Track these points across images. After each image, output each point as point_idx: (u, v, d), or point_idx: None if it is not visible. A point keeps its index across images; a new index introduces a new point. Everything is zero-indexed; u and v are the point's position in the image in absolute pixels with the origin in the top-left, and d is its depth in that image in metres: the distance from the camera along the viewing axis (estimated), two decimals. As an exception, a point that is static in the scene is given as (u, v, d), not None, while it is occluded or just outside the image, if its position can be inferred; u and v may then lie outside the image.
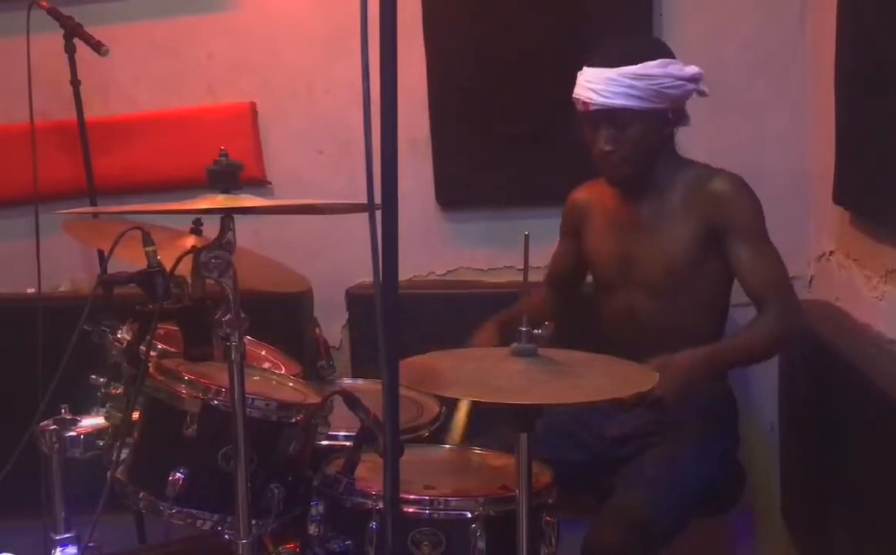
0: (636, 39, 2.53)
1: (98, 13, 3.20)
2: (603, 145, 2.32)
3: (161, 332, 2.08)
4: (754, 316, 2.31)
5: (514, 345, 1.86)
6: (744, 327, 2.35)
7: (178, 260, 1.79)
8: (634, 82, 2.24)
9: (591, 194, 2.54)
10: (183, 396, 1.90)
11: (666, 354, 2.13)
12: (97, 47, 3.00)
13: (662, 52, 2.32)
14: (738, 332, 2.38)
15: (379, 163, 1.34)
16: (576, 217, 2.58)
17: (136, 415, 1.94)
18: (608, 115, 2.28)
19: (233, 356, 1.75)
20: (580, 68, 2.33)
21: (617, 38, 2.40)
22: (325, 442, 2.09)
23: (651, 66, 2.26)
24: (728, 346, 2.30)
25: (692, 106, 2.38)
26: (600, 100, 2.26)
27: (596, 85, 2.27)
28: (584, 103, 2.30)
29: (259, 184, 3.21)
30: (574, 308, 2.65)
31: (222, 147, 1.84)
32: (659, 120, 2.32)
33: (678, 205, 2.36)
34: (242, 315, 1.75)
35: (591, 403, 1.81)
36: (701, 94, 2.36)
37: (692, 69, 2.31)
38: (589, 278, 2.62)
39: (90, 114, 3.16)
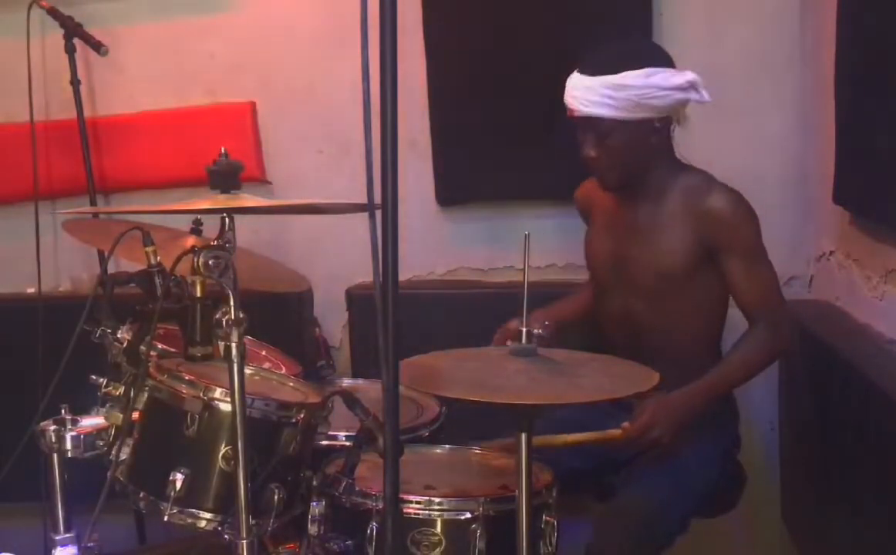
0: (625, 47, 2.43)
1: (98, 13, 3.20)
2: (588, 151, 2.32)
3: (161, 332, 2.08)
4: (744, 333, 2.32)
5: (514, 345, 1.86)
6: (734, 347, 2.35)
7: (178, 260, 1.79)
8: (611, 92, 2.22)
9: (592, 192, 2.53)
10: (183, 396, 1.90)
11: (663, 356, 2.13)
12: (97, 47, 3.00)
13: (651, 60, 2.27)
14: (729, 351, 2.37)
15: (379, 163, 1.35)
16: (585, 208, 2.60)
17: (136, 415, 1.95)
18: (590, 123, 2.29)
19: (233, 356, 1.75)
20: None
21: (609, 43, 2.36)
22: (325, 442, 2.09)
23: (631, 77, 2.22)
24: (722, 373, 2.29)
25: (691, 108, 2.37)
26: (581, 107, 2.27)
27: (576, 92, 2.28)
28: (570, 110, 2.31)
29: (259, 184, 3.21)
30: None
31: (222, 147, 1.85)
32: (643, 129, 2.29)
33: (673, 211, 2.34)
34: (242, 315, 1.75)
35: (591, 404, 1.82)
36: (701, 101, 2.33)
37: (685, 77, 2.26)
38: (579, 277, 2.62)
39: (90, 114, 3.16)
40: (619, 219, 2.43)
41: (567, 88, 2.31)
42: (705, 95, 2.30)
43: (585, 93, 2.26)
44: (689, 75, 2.27)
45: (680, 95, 2.27)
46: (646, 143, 2.32)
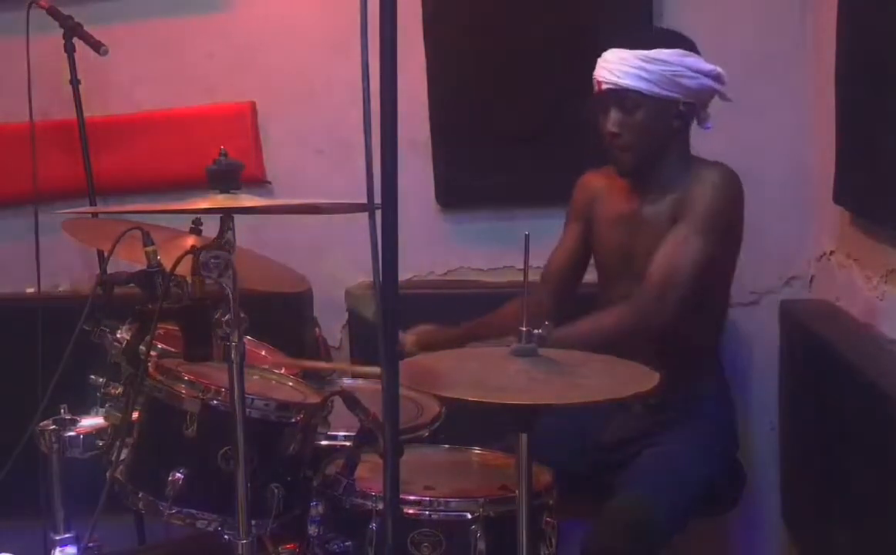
0: (662, 29, 2.60)
1: (98, 13, 3.19)
2: (610, 127, 2.33)
3: (161, 332, 2.08)
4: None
5: (514, 345, 1.86)
6: (598, 312, 2.33)
7: (178, 260, 1.79)
8: (646, 65, 2.26)
9: (604, 181, 2.53)
10: (183, 396, 1.90)
11: (661, 351, 2.13)
12: (97, 47, 3.00)
13: (684, 43, 2.33)
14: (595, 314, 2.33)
15: (379, 163, 1.35)
16: (588, 199, 2.56)
17: (135, 415, 1.94)
18: (617, 97, 2.30)
19: (233, 356, 1.75)
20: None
21: (646, 26, 2.41)
22: (325, 442, 2.09)
23: (666, 53, 2.28)
24: (576, 331, 2.21)
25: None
26: (611, 78, 2.29)
27: (609, 64, 2.30)
28: (598, 82, 2.33)
29: (259, 184, 3.21)
30: (574, 307, 2.65)
31: (222, 147, 1.84)
32: (668, 110, 2.32)
33: (679, 202, 2.35)
34: (242, 315, 1.75)
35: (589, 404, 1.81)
36: (723, 97, 2.35)
37: (713, 67, 2.31)
38: (588, 277, 2.61)
39: (90, 114, 3.15)
40: (629, 210, 2.43)
41: (598, 62, 2.34)
42: (728, 95, 2.35)
43: (618, 64, 2.28)
44: (718, 68, 2.32)
45: (709, 82, 2.31)
46: (668, 125, 2.33)
